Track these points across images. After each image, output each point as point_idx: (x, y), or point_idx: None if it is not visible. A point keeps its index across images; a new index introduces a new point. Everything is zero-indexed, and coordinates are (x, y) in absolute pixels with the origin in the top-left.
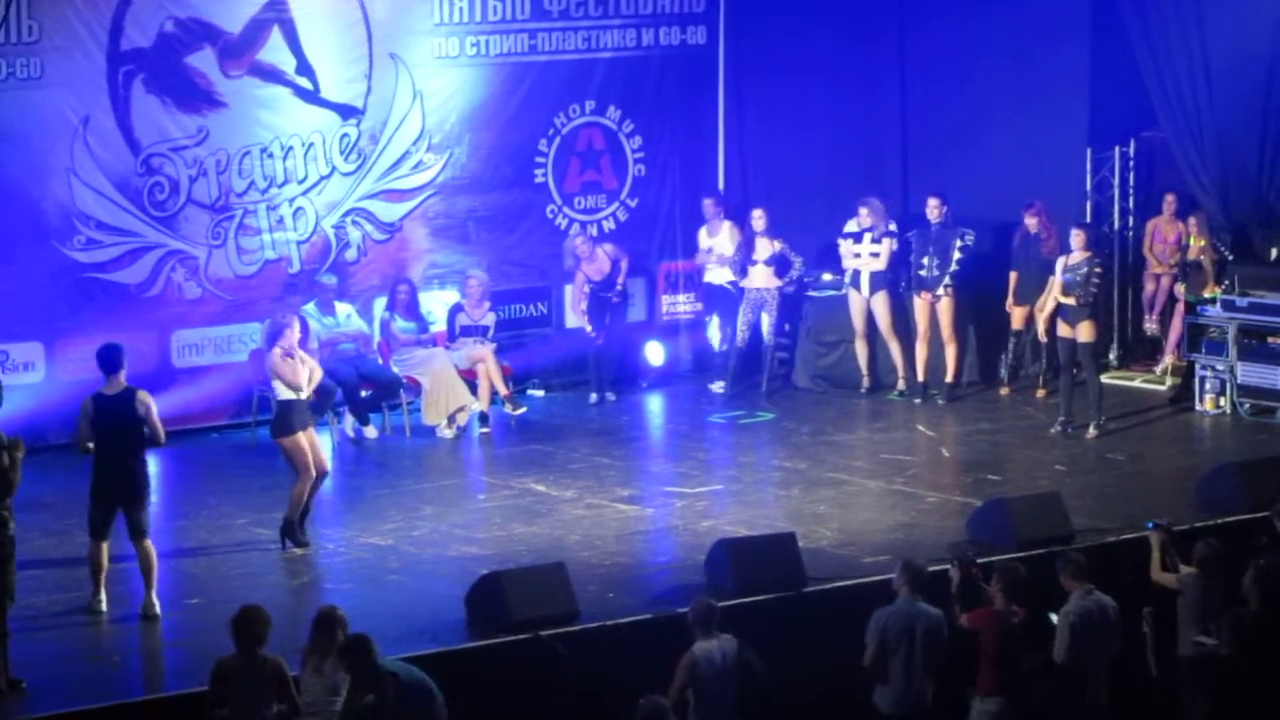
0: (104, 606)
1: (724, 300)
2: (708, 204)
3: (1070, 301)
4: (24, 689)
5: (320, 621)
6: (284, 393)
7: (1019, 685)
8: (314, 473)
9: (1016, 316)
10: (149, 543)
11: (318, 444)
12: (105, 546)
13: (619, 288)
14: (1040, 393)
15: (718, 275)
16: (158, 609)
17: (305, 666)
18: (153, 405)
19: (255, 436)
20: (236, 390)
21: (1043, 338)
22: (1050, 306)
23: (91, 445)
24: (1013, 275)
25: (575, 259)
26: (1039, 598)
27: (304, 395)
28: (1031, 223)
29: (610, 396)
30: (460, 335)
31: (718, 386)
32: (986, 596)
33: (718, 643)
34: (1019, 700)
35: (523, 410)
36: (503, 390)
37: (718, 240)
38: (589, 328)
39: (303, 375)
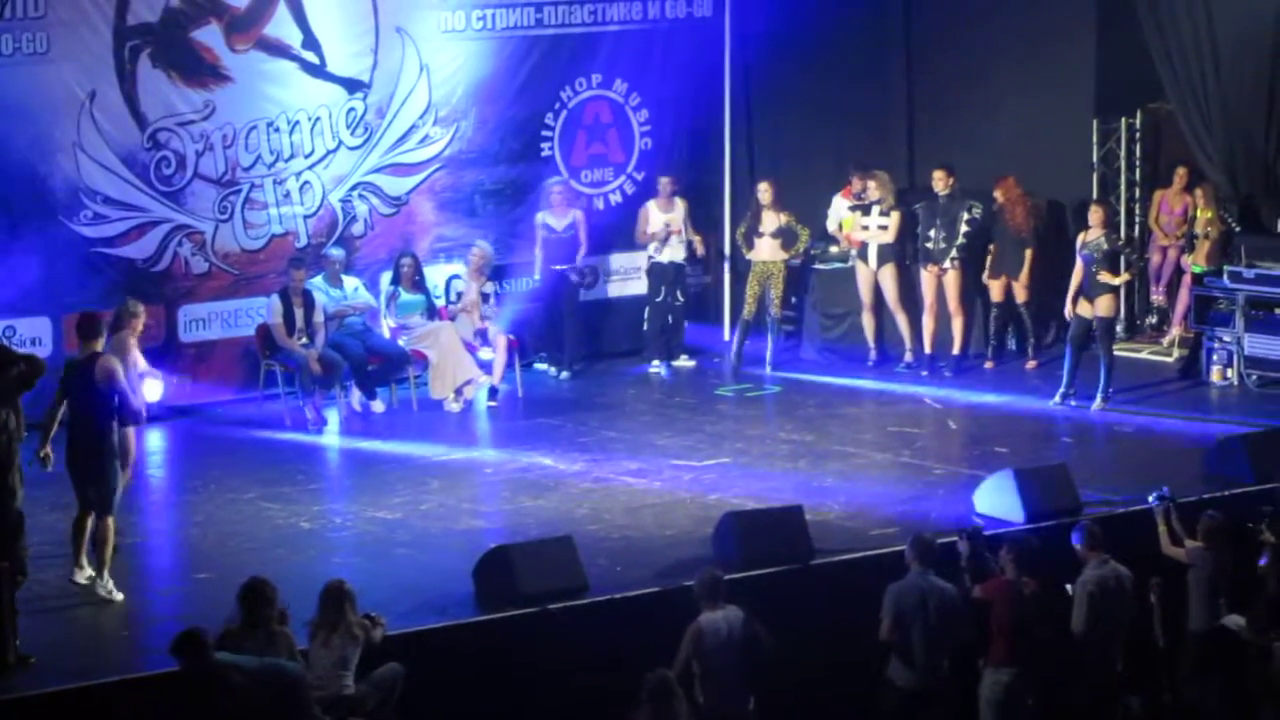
0: (80, 579)
1: (674, 277)
2: (664, 181)
3: (1109, 279)
4: (32, 664)
5: (328, 595)
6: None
7: (1032, 656)
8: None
9: (994, 289)
10: (106, 520)
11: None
12: (86, 516)
13: (579, 266)
14: (1031, 364)
15: (670, 253)
16: (102, 591)
17: (313, 640)
18: (117, 372)
19: (262, 410)
20: (244, 364)
21: (1068, 315)
22: (1075, 285)
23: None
24: (991, 247)
25: (546, 197)
26: (1049, 569)
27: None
28: (997, 195)
29: (568, 372)
30: (457, 300)
31: (656, 368)
32: (996, 568)
33: (723, 614)
34: (1032, 670)
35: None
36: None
37: (674, 217)
38: (537, 274)
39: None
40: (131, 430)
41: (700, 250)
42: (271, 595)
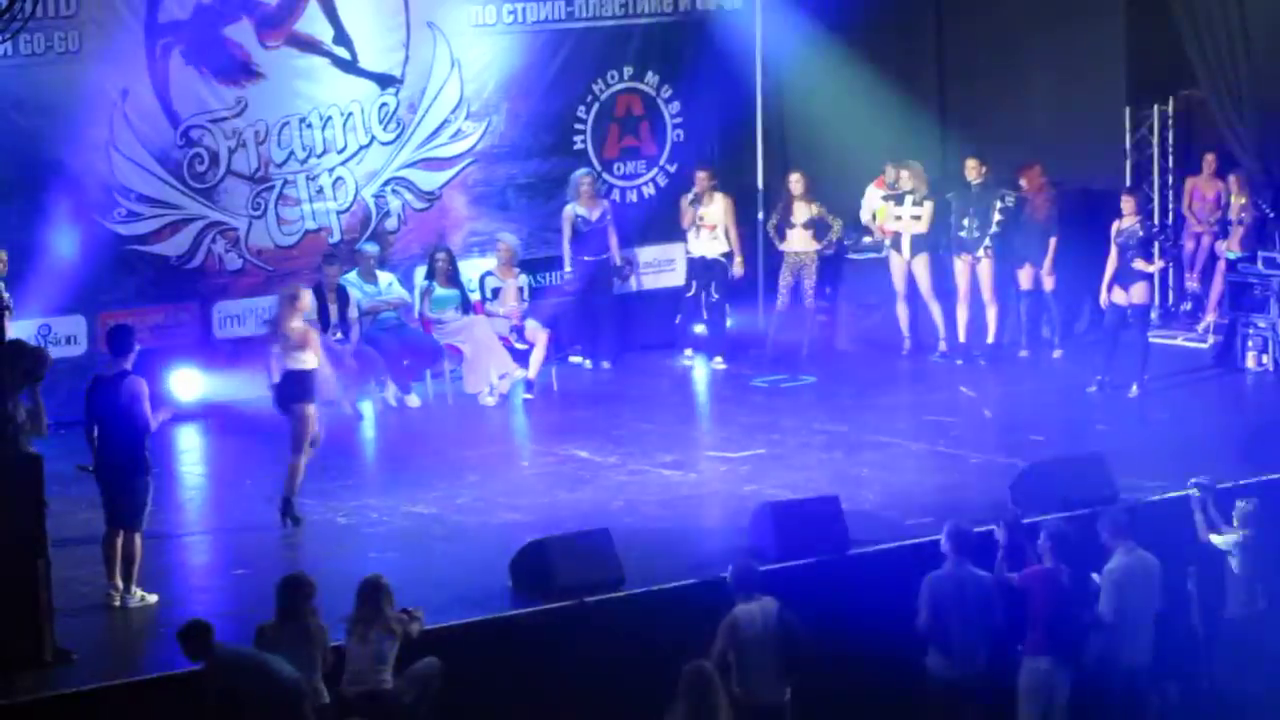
0: (115, 602)
1: (707, 272)
2: (700, 176)
3: (1143, 266)
4: (73, 659)
5: (365, 590)
6: (307, 361)
7: (1069, 643)
8: (312, 447)
9: (1022, 278)
10: (134, 536)
11: (319, 415)
12: (115, 535)
13: (625, 255)
14: (1056, 353)
15: (703, 247)
16: (134, 603)
17: (350, 635)
18: (143, 395)
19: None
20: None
21: (1103, 303)
22: (1109, 273)
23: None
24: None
25: (575, 189)
26: (1084, 557)
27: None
28: (1022, 182)
29: (605, 365)
30: (493, 298)
31: (689, 359)
32: (1033, 556)
33: (758, 605)
34: (1069, 658)
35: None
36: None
37: (710, 211)
38: (568, 266)
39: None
40: (310, 407)
41: (739, 269)
42: (308, 591)
